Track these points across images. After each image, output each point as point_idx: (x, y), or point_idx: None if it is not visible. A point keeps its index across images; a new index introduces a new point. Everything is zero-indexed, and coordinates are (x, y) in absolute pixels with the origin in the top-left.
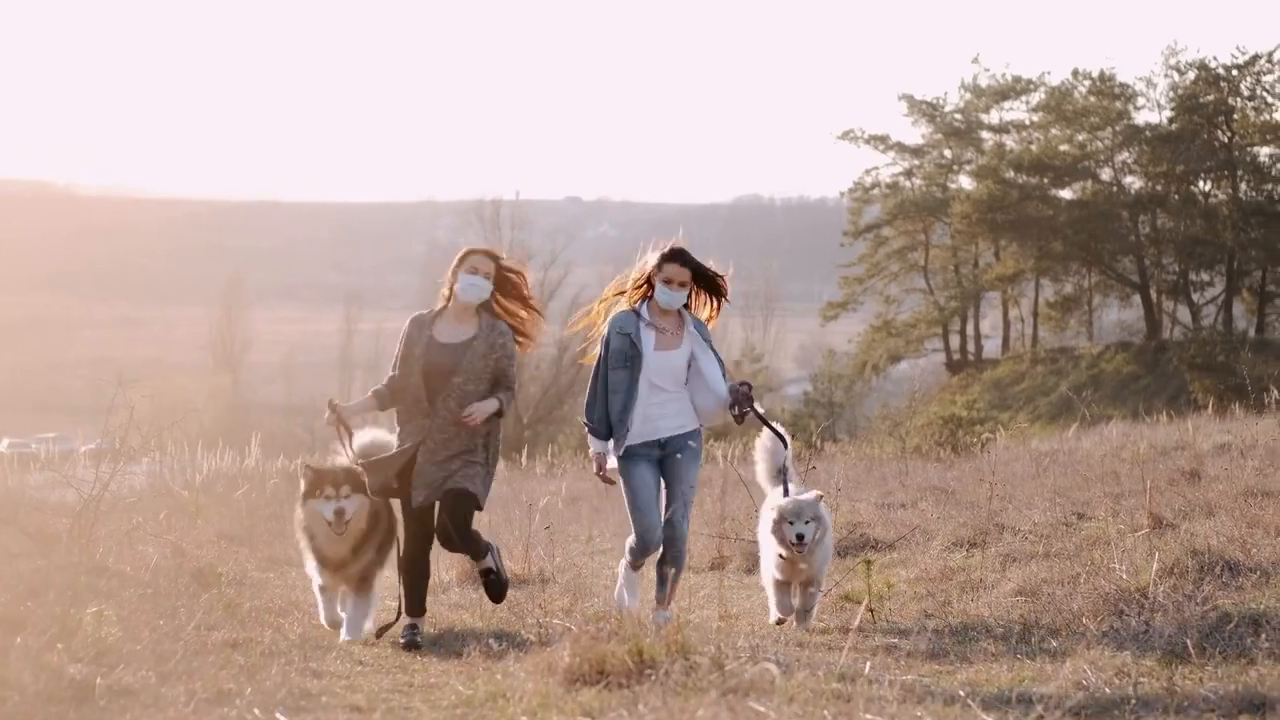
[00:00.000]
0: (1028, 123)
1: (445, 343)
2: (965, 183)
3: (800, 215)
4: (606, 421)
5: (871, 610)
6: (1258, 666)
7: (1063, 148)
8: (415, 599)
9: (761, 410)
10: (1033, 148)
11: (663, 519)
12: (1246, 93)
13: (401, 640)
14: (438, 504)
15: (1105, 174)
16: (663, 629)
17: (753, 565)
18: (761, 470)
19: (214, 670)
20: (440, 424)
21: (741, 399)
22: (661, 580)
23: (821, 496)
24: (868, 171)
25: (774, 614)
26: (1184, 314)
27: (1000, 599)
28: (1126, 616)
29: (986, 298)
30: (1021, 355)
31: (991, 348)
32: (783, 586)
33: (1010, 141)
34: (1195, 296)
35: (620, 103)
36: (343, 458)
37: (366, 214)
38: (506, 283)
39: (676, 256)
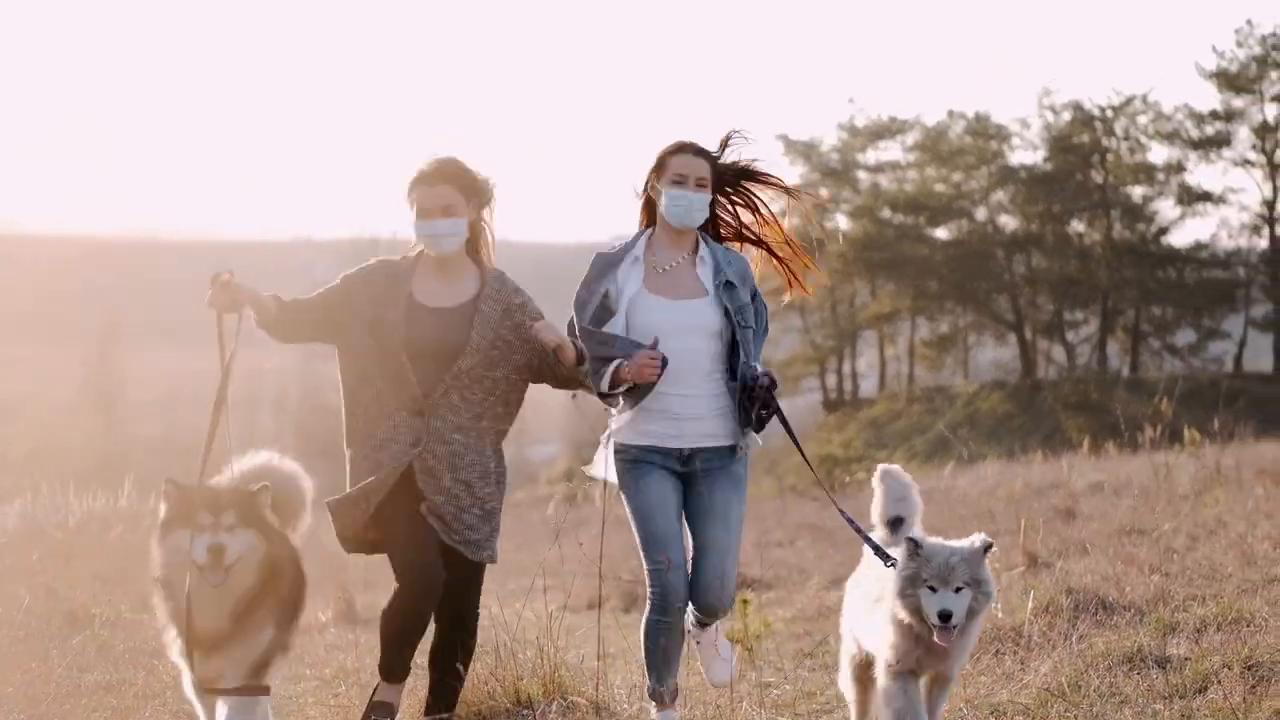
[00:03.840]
0: (903, 162)
1: (436, 307)
2: (842, 222)
3: None
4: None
5: (749, 649)
6: (1132, 705)
7: (938, 187)
8: (397, 656)
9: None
10: (908, 187)
11: (689, 571)
12: (1121, 133)
13: None
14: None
15: (980, 213)
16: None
17: (631, 604)
18: (877, 517)
19: (86, 713)
20: (440, 432)
21: (762, 393)
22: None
23: (990, 546)
24: None
25: None
26: (1059, 353)
27: None
28: (1002, 655)
29: (863, 336)
30: (898, 394)
31: (868, 387)
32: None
33: (886, 181)
34: (1070, 335)
35: (499, 140)
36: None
37: (243, 252)
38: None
39: (687, 147)
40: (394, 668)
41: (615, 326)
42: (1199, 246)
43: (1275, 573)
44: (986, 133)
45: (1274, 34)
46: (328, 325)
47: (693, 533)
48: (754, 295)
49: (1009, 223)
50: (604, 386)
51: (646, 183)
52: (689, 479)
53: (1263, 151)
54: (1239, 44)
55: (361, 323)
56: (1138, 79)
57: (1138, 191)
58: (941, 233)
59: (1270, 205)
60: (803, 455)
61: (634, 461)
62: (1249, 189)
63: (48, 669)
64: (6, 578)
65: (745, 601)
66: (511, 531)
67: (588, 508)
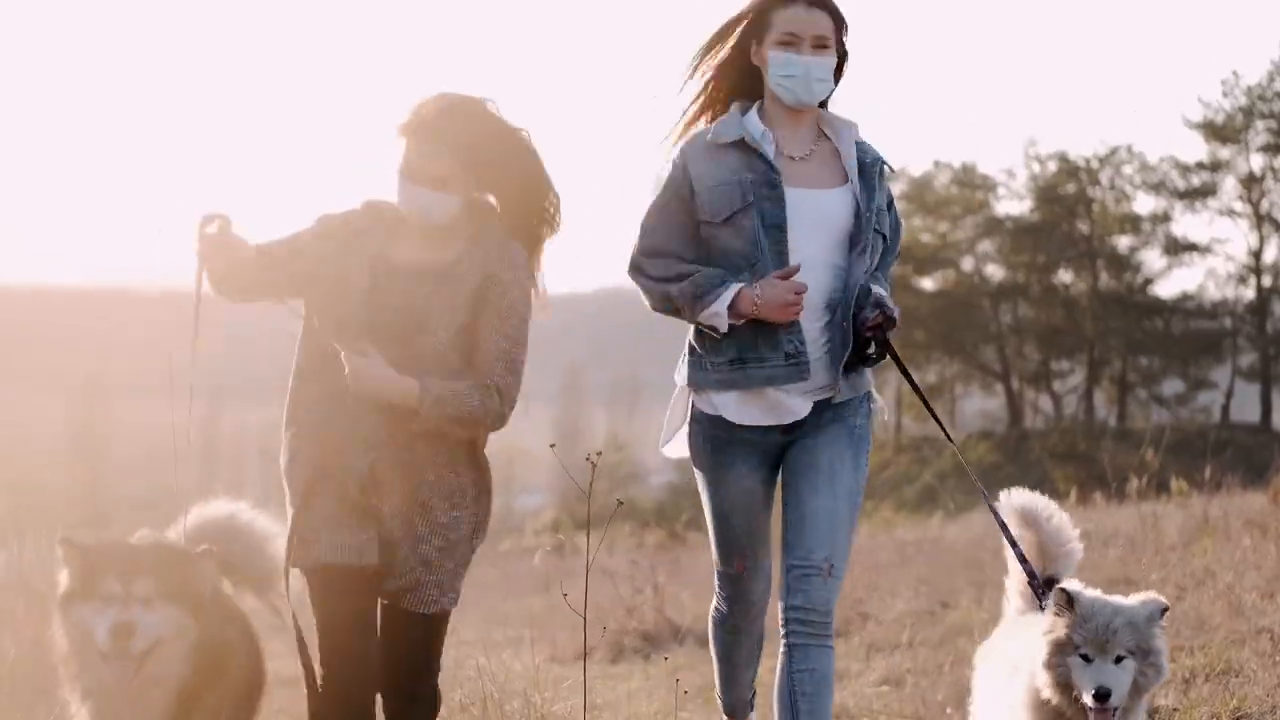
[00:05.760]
0: None
1: (411, 270)
2: None
3: None
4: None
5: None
6: None
7: (924, 237)
8: None
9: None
10: None
11: (769, 566)
12: (1107, 184)
13: None
14: (379, 618)
15: (967, 264)
16: None
17: (618, 655)
18: (1013, 585)
19: None
20: (400, 435)
21: (869, 332)
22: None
23: (1166, 610)
24: None
25: None
26: (1045, 403)
27: (864, 689)
28: None
29: None
30: (885, 444)
31: None
32: None
33: None
34: (1056, 385)
35: None
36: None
37: (226, 303)
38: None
39: None
40: None
41: (779, 207)
42: (1185, 297)
43: (1263, 623)
44: (972, 183)
45: (1260, 85)
46: (297, 278)
47: (789, 503)
48: (890, 201)
49: (995, 273)
50: (720, 319)
51: (740, 42)
52: (792, 441)
53: (1249, 202)
54: (1225, 95)
55: (326, 281)
56: (1123, 130)
57: (1124, 242)
58: (928, 282)
59: (1256, 255)
60: (918, 393)
61: (720, 443)
62: (1235, 239)
63: None
64: None
65: None
66: (497, 582)
67: (574, 559)
